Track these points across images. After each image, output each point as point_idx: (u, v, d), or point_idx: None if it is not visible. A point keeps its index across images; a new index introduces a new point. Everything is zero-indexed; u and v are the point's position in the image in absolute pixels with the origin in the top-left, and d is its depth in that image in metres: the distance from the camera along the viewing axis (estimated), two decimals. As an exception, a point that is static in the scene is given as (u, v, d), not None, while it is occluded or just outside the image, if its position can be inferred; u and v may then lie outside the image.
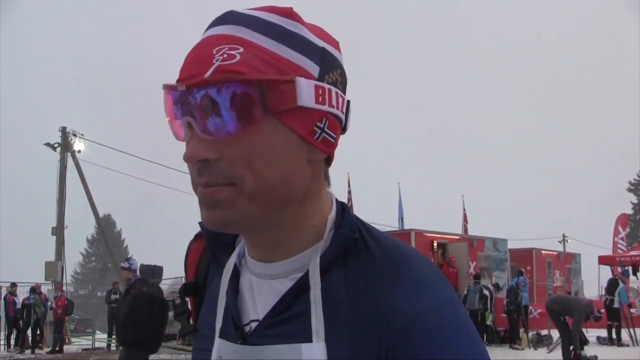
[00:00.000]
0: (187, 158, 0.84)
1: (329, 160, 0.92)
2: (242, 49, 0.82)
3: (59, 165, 24.19)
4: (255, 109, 0.81)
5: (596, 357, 12.65)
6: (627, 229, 25.87)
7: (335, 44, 0.91)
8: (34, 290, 19.72)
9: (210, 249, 1.00)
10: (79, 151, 24.61)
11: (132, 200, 70.57)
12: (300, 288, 0.86)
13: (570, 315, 12.35)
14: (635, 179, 54.84)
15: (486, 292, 16.94)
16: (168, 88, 0.85)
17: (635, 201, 54.19)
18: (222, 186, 0.83)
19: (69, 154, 24.34)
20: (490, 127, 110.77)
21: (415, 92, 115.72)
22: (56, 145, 24.34)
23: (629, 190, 55.42)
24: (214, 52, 0.82)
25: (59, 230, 23.77)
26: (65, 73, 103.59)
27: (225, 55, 0.81)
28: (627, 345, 16.08)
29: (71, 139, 24.40)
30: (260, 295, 0.91)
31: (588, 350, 13.00)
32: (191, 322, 1.04)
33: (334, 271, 0.86)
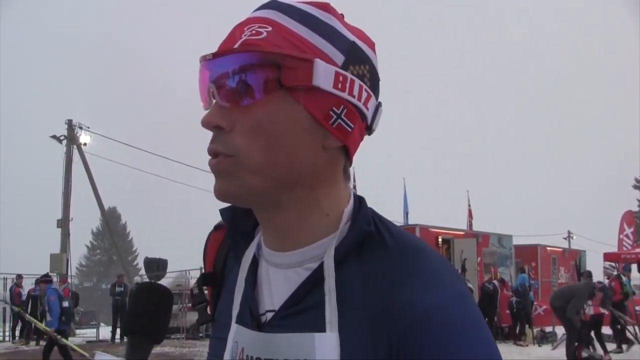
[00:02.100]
0: (202, 123, 0.88)
1: (349, 156, 0.92)
2: (270, 28, 0.86)
3: (65, 158, 24.27)
4: (269, 81, 0.84)
5: (601, 356, 12.62)
6: (633, 226, 25.73)
7: (370, 44, 0.92)
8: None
9: (230, 238, 1.01)
10: (85, 144, 24.67)
11: (137, 194, 71.02)
12: (315, 279, 0.87)
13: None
14: (641, 176, 54.58)
15: (471, 285, 17.06)
16: (202, 59, 0.88)
17: (641, 198, 53.95)
18: (224, 157, 0.86)
19: (74, 146, 24.39)
20: (496, 122, 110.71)
21: (421, 88, 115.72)
22: (62, 137, 24.40)
23: (635, 187, 55.22)
24: (245, 29, 0.87)
25: (64, 223, 23.84)
26: (72, 66, 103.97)
27: (253, 32, 0.86)
28: (633, 344, 16.02)
29: (77, 132, 24.45)
30: (276, 285, 0.92)
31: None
32: (209, 312, 1.04)
33: (349, 263, 0.87)
